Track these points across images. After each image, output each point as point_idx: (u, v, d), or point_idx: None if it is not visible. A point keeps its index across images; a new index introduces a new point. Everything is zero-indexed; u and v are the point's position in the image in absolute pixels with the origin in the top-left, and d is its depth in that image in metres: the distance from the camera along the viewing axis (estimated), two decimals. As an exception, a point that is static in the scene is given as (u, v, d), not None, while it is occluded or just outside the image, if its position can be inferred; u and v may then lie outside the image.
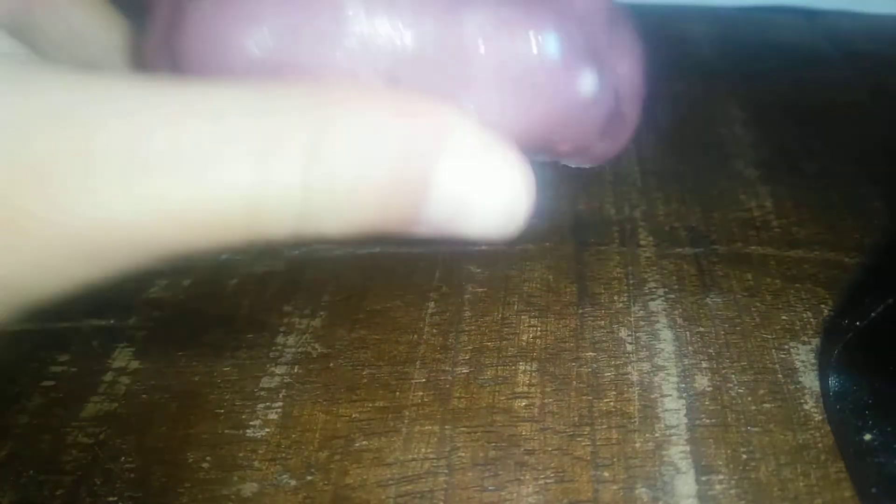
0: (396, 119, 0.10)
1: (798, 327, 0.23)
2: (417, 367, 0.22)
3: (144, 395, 0.22)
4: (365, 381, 0.22)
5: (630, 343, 0.23)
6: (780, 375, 0.21)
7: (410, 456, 0.19)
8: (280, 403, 0.21)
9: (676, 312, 0.24)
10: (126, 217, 0.09)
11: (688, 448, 0.19)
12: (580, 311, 0.24)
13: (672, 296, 0.25)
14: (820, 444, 0.19)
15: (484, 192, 0.11)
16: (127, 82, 0.10)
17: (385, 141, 0.10)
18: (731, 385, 0.21)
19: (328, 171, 0.10)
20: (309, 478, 0.19)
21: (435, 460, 0.19)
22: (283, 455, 0.20)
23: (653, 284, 0.25)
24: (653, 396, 0.21)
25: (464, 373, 0.22)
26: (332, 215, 0.10)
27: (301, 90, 0.10)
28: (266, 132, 0.10)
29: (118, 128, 0.09)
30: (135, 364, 0.23)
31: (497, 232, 0.11)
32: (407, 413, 0.21)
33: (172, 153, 0.09)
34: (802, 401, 0.21)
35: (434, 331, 0.23)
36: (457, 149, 0.10)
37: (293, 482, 0.19)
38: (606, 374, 0.22)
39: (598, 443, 0.20)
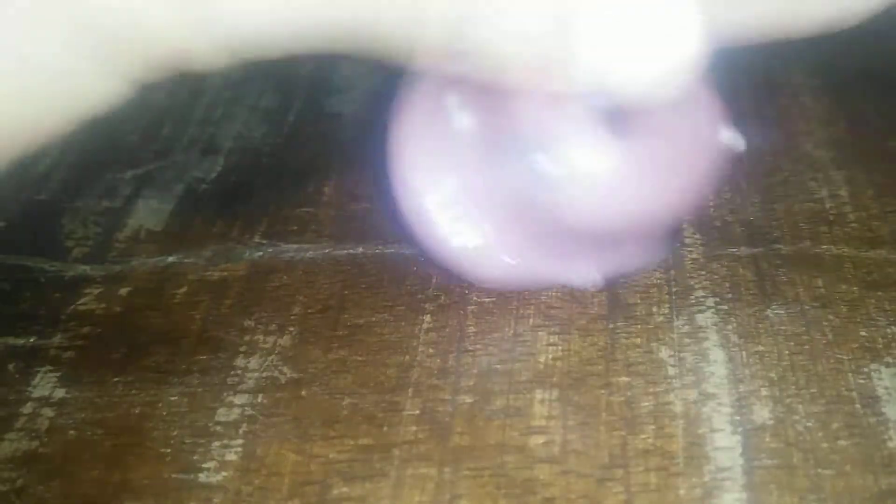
0: None
1: (880, 346, 0.23)
2: (410, 395, 0.22)
3: (73, 431, 0.22)
4: (345, 412, 0.22)
5: (672, 366, 0.23)
6: (857, 405, 0.21)
7: (401, 505, 0.20)
8: (240, 441, 0.21)
9: (730, 328, 0.24)
10: None
11: (744, 495, 0.19)
12: (611, 325, 0.24)
13: (724, 307, 0.25)
14: (907, 491, 0.20)
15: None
16: None
17: None
18: (797, 417, 0.21)
19: None
20: (276, 533, 0.19)
21: (432, 511, 0.19)
22: (245, 505, 0.20)
23: (700, 293, 0.25)
24: (700, 431, 0.21)
25: (467, 402, 0.22)
26: None
27: None
28: None
29: None
30: (60, 392, 0.23)
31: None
32: (397, 452, 0.21)
33: None
34: (886, 437, 0.21)
35: (430, 350, 0.24)
36: None
37: (257, 538, 0.19)
38: (643, 405, 0.22)
39: (632, 489, 0.20)
